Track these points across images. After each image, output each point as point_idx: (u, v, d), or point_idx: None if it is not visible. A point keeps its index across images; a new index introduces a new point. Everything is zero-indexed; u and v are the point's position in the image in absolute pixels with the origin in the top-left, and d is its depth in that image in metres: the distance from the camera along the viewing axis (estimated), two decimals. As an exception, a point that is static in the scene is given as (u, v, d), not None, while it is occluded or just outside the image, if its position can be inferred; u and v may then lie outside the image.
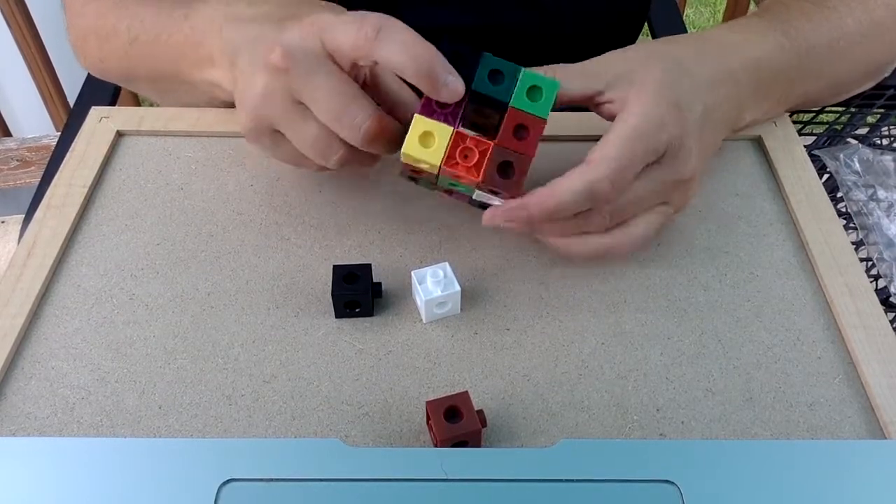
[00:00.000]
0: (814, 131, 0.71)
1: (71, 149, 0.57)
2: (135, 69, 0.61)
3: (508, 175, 0.45)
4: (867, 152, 0.64)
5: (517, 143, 0.45)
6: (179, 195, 0.55)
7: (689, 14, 2.26)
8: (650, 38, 1.01)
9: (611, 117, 0.47)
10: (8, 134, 1.67)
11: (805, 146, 0.60)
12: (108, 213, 0.54)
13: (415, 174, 0.48)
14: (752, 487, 0.37)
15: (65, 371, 0.45)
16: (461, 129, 0.45)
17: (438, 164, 0.44)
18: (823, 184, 0.58)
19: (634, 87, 0.46)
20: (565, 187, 0.44)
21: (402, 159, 0.46)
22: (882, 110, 0.72)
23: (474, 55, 0.45)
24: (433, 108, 0.45)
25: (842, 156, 0.64)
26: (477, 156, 0.44)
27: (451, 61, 0.44)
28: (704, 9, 2.33)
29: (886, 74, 0.62)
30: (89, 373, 0.45)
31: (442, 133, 0.44)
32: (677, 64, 0.49)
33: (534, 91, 0.45)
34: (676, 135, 0.45)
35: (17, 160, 1.66)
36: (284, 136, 0.47)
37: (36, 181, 1.60)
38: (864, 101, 0.71)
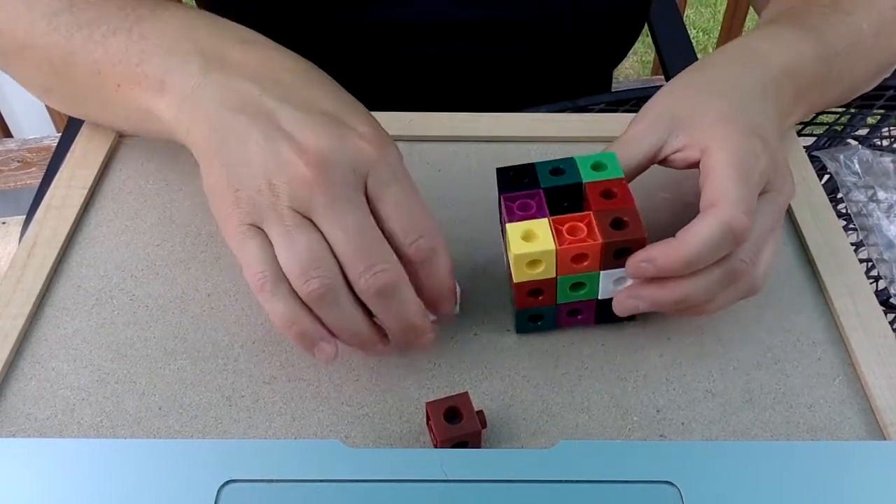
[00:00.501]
0: (814, 132, 0.71)
1: (71, 150, 0.57)
2: (51, 86, 0.52)
3: (621, 227, 0.43)
4: (867, 153, 0.64)
5: (610, 202, 0.43)
6: (179, 196, 0.55)
7: (689, 14, 2.26)
8: (650, 38, 1.01)
9: (688, 165, 0.46)
10: (8, 135, 1.67)
11: (805, 147, 0.60)
12: (109, 213, 0.54)
13: (531, 299, 0.45)
14: (752, 488, 0.37)
15: (65, 372, 0.45)
16: (553, 217, 0.43)
17: (553, 247, 0.42)
18: (823, 185, 0.58)
19: (705, 128, 0.45)
20: (697, 233, 0.41)
21: (513, 269, 0.43)
22: (882, 111, 0.72)
23: (528, 166, 0.45)
24: (515, 212, 0.44)
25: (842, 157, 0.64)
26: (584, 226, 0.43)
27: (514, 177, 0.45)
28: (705, 9, 2.34)
29: (888, 74, 0.63)
30: (89, 374, 0.45)
31: (540, 225, 0.43)
32: (731, 88, 0.47)
33: (597, 166, 0.45)
34: (768, 159, 0.44)
35: (18, 161, 1.67)
36: (269, 243, 0.40)
37: (36, 182, 1.60)
38: (864, 102, 0.71)
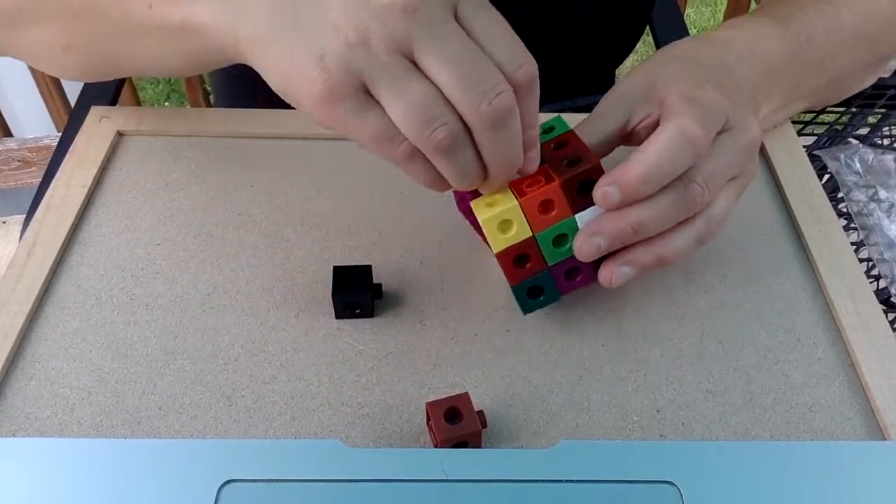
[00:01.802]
0: (814, 132, 0.71)
1: (71, 149, 0.57)
2: (66, 33, 0.47)
3: (575, 164, 0.43)
4: (868, 152, 0.64)
5: (563, 151, 0.44)
6: (179, 195, 0.55)
7: (689, 14, 2.26)
8: (651, 37, 1.01)
9: (653, 129, 0.44)
10: (9, 134, 1.67)
11: (806, 146, 0.60)
12: (108, 213, 0.54)
13: (521, 269, 0.44)
14: (752, 488, 0.37)
15: (65, 371, 0.45)
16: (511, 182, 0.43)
17: (515, 201, 0.41)
18: (824, 184, 0.58)
19: (663, 91, 0.45)
20: (653, 144, 0.40)
21: (489, 238, 0.42)
22: (883, 110, 0.72)
23: None
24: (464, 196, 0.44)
25: (842, 156, 0.64)
26: (541, 176, 0.42)
27: None
28: (705, 9, 2.33)
29: (888, 67, 0.63)
30: (89, 373, 0.45)
31: (501, 192, 0.42)
32: (687, 58, 0.48)
33: (548, 130, 0.45)
34: (727, 102, 0.44)
35: (18, 160, 1.67)
36: (375, 102, 0.37)
37: (37, 181, 1.60)
38: (864, 102, 0.71)
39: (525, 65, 0.38)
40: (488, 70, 0.36)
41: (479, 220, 0.42)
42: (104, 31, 0.46)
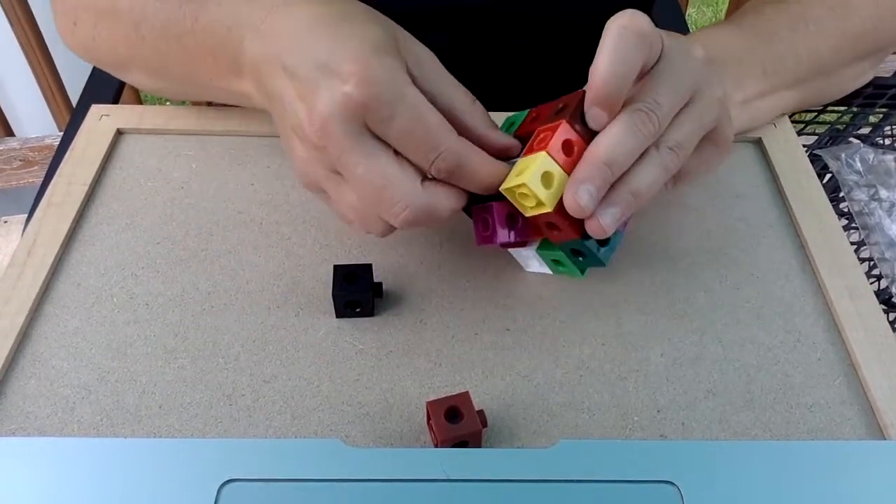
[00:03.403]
0: (815, 131, 0.71)
1: (71, 147, 0.57)
2: (136, 61, 0.56)
3: (564, 107, 0.44)
4: (869, 152, 0.64)
5: (537, 121, 0.45)
6: (180, 194, 0.55)
7: (691, 13, 2.26)
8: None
9: None
10: (10, 134, 1.67)
11: (806, 146, 0.60)
12: (109, 211, 0.54)
13: (573, 221, 0.43)
14: (752, 488, 0.37)
15: (65, 370, 0.45)
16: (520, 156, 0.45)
17: (544, 153, 0.42)
18: (825, 184, 0.58)
19: None
20: (604, 48, 0.41)
21: (542, 197, 0.42)
22: (884, 110, 0.72)
23: None
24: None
25: (843, 156, 0.64)
26: (544, 132, 0.44)
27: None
28: (707, 8, 2.33)
29: (888, 69, 0.63)
30: (89, 372, 0.45)
31: (520, 163, 0.44)
32: None
33: (511, 126, 0.48)
34: (670, 43, 0.45)
35: (20, 160, 1.67)
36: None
37: (38, 181, 1.60)
38: (865, 101, 0.71)
39: (438, 160, 0.42)
40: (386, 190, 0.42)
41: (523, 184, 0.42)
42: (182, 87, 0.57)
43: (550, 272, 0.49)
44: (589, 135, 0.43)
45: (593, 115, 0.43)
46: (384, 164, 0.42)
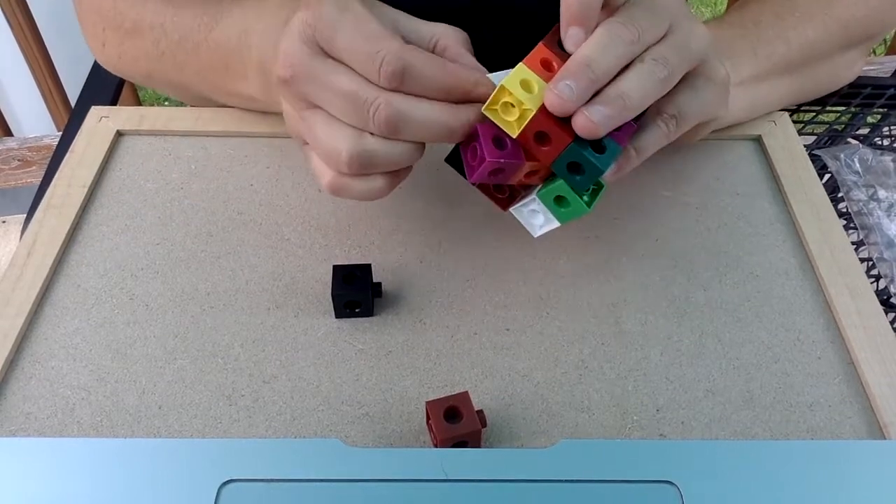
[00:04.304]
0: (815, 131, 0.71)
1: (71, 148, 0.57)
2: (157, 74, 0.60)
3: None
4: (867, 152, 0.64)
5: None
6: (179, 195, 0.55)
7: (689, 14, 2.26)
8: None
9: None
10: (9, 134, 1.67)
11: (806, 146, 0.60)
12: (108, 212, 0.54)
13: (558, 131, 0.42)
14: (752, 488, 0.37)
15: (65, 371, 0.45)
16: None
17: (520, 65, 0.42)
18: (824, 184, 0.58)
19: None
20: None
21: (525, 100, 0.42)
22: (883, 110, 0.72)
23: None
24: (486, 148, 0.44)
25: (842, 156, 0.64)
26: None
27: None
28: (705, 9, 2.33)
29: (873, 42, 0.64)
30: (89, 373, 0.45)
31: (508, 77, 0.43)
32: None
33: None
34: (668, 2, 0.45)
35: (18, 160, 1.67)
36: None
37: (37, 181, 1.60)
38: (864, 102, 0.71)
39: (383, 66, 0.42)
40: (359, 97, 0.42)
41: (503, 88, 0.41)
42: (199, 97, 0.61)
43: (558, 224, 0.46)
44: (566, 54, 0.43)
45: (570, 35, 0.43)
46: (343, 75, 0.42)
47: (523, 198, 0.47)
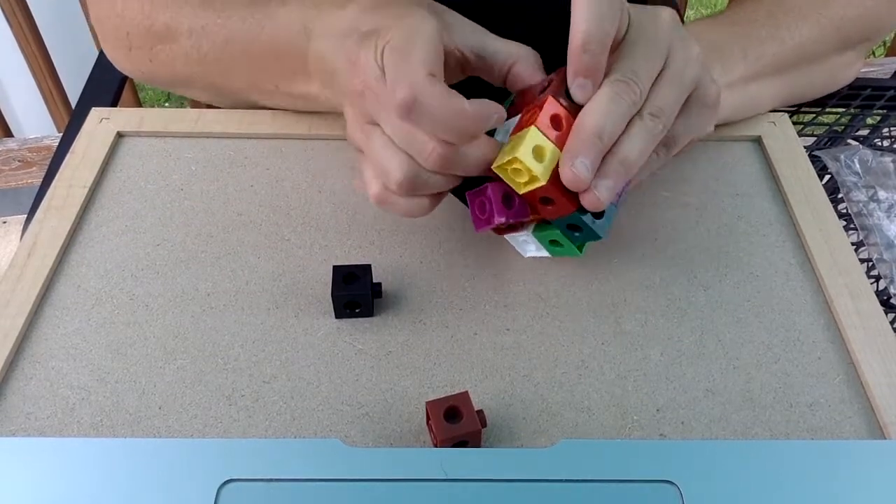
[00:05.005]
0: (814, 132, 0.71)
1: (71, 150, 0.57)
2: (198, 77, 0.60)
3: (548, 84, 0.45)
4: (867, 153, 0.64)
5: (522, 101, 0.46)
6: (179, 196, 0.55)
7: (689, 15, 2.26)
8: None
9: None
10: (9, 134, 1.67)
11: (806, 147, 0.60)
12: (109, 213, 0.54)
13: (566, 194, 0.44)
14: (752, 487, 0.37)
15: (65, 371, 0.45)
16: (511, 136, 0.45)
17: (532, 127, 0.42)
18: (824, 185, 0.58)
19: None
20: (578, 9, 0.42)
21: (536, 172, 0.42)
22: (883, 111, 0.72)
23: None
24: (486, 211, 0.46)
25: (842, 157, 0.64)
26: (531, 109, 0.44)
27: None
28: (705, 10, 2.33)
29: (873, 45, 0.64)
30: (89, 373, 0.45)
31: (511, 140, 0.44)
32: None
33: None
34: (663, 29, 0.45)
35: (19, 161, 1.67)
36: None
37: (37, 182, 1.60)
38: (864, 103, 0.71)
39: (395, 91, 0.42)
40: (415, 137, 0.43)
41: (515, 159, 0.42)
42: (242, 98, 0.60)
43: (548, 255, 0.49)
44: (574, 109, 0.44)
45: (578, 85, 0.43)
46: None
47: (517, 230, 0.48)
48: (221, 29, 0.56)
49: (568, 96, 0.44)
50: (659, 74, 0.45)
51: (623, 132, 0.44)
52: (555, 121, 0.43)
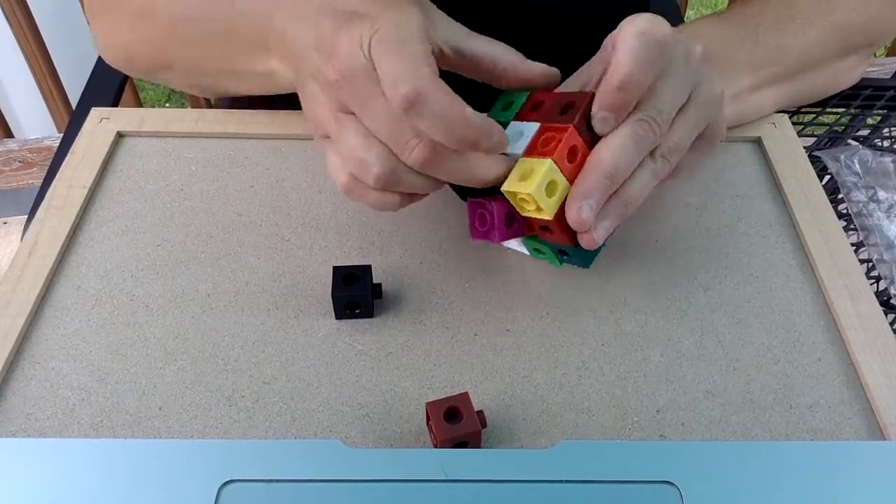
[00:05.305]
0: (815, 132, 0.71)
1: (71, 150, 0.57)
2: (170, 57, 0.59)
3: (570, 108, 0.44)
4: (867, 154, 0.64)
5: (541, 111, 0.45)
6: (179, 196, 0.55)
7: (690, 16, 2.26)
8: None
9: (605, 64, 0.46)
10: (10, 135, 1.67)
11: (806, 147, 0.60)
12: (109, 213, 0.54)
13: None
14: (752, 489, 0.37)
15: (65, 372, 0.45)
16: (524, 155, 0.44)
17: (549, 161, 0.42)
18: (824, 185, 0.58)
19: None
20: (622, 52, 0.41)
21: (543, 206, 0.43)
22: (883, 112, 0.72)
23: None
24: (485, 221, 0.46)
25: (842, 157, 0.64)
26: (550, 135, 0.44)
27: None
28: (706, 10, 2.33)
29: (873, 51, 0.64)
30: (89, 374, 0.45)
31: (522, 163, 0.44)
32: None
33: (507, 107, 0.48)
34: (674, 43, 0.44)
35: (19, 161, 1.67)
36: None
37: (38, 182, 1.61)
38: (864, 103, 0.71)
39: (395, 87, 0.41)
40: (402, 125, 0.42)
41: (527, 194, 0.42)
42: (216, 80, 0.59)
43: (528, 254, 0.49)
44: (591, 138, 0.43)
45: (602, 118, 0.43)
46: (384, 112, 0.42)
47: None
48: (196, 9, 0.55)
49: (588, 125, 0.43)
50: (679, 111, 0.44)
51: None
52: (571, 152, 0.43)
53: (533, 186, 0.41)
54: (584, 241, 0.43)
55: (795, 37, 0.58)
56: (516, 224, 0.45)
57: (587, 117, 0.43)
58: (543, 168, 0.42)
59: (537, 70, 0.47)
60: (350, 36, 0.42)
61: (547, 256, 0.48)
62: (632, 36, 0.41)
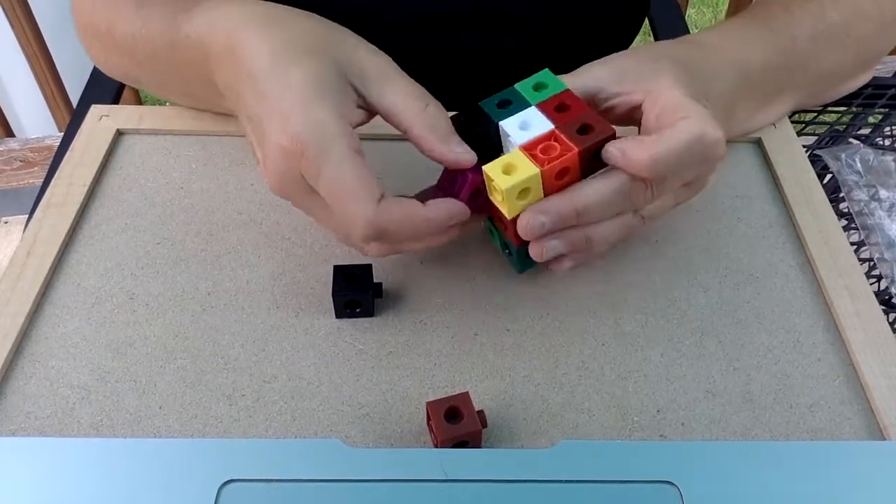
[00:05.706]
0: (816, 131, 0.71)
1: (71, 147, 0.57)
2: (137, 76, 0.59)
3: (588, 132, 0.44)
4: (868, 152, 0.64)
5: (567, 114, 0.44)
6: (179, 194, 0.55)
7: (690, 14, 2.26)
8: (652, 38, 1.01)
9: (629, 108, 0.47)
10: (11, 134, 1.67)
11: (807, 146, 0.60)
12: (109, 212, 0.54)
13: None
14: (752, 488, 0.37)
15: (65, 370, 0.45)
16: (522, 145, 0.44)
17: (537, 170, 0.42)
18: (825, 184, 0.58)
19: (653, 80, 0.46)
20: (673, 137, 0.42)
21: (506, 205, 0.43)
22: (884, 110, 0.72)
23: (475, 108, 0.46)
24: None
25: (843, 156, 0.64)
26: (555, 143, 0.43)
27: (467, 122, 0.45)
28: (707, 9, 2.33)
29: (878, 65, 0.63)
30: (89, 372, 0.45)
31: (514, 157, 0.43)
32: (680, 62, 0.48)
33: (539, 87, 0.46)
34: (711, 154, 0.44)
35: (20, 161, 1.67)
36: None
37: (39, 182, 1.61)
38: (865, 102, 0.71)
39: (349, 237, 0.44)
40: (346, 238, 0.44)
41: (497, 190, 0.42)
42: (188, 102, 0.59)
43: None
44: (589, 168, 0.44)
45: (610, 156, 0.43)
46: (355, 172, 0.41)
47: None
48: (147, 43, 0.54)
49: (594, 154, 0.43)
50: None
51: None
52: (563, 172, 0.43)
53: (508, 185, 0.41)
54: (534, 251, 0.44)
55: (821, 57, 0.57)
56: (480, 199, 0.45)
57: (597, 150, 0.43)
58: (528, 174, 0.42)
59: (452, 157, 0.44)
60: (270, 150, 0.42)
61: (494, 237, 0.49)
62: (689, 136, 0.42)
